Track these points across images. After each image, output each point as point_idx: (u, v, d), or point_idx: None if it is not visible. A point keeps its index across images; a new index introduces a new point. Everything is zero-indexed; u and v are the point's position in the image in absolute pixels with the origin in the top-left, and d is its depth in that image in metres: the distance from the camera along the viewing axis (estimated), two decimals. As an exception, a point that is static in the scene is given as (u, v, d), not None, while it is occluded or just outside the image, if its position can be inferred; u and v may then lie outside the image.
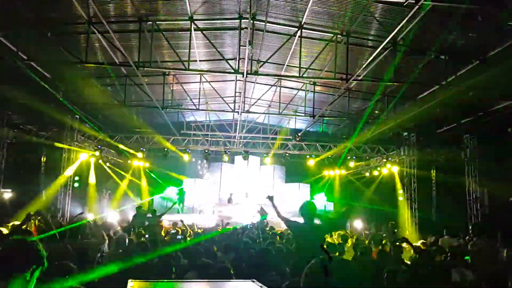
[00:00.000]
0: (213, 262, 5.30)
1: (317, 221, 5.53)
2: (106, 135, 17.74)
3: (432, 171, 19.21)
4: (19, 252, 2.49)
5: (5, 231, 5.78)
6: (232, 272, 4.52)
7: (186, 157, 19.60)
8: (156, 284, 3.31)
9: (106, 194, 20.39)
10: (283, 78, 13.70)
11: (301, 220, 5.61)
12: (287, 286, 4.16)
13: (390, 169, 19.03)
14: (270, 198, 6.26)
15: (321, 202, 22.14)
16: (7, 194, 15.88)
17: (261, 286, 3.04)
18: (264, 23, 10.04)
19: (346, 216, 6.17)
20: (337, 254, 7.20)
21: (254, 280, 3.23)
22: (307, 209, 5.55)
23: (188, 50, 10.48)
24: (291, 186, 23.66)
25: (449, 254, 6.67)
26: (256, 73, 11.23)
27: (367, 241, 10.36)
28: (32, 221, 8.62)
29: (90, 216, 15.14)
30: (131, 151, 18.91)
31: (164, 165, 21.85)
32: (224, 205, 20.25)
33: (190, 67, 11.01)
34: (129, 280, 3.10)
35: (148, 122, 18.53)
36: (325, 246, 5.29)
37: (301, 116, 16.88)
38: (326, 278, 2.06)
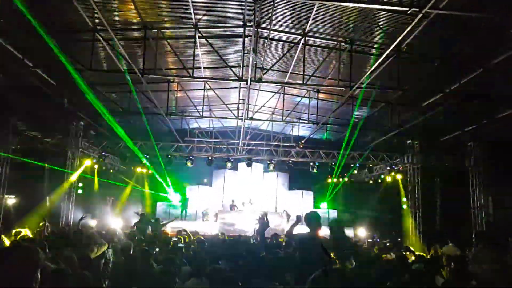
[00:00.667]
0: (216, 271, 5.28)
1: (320, 231, 5.50)
2: (110, 142, 17.79)
3: (436, 179, 19.14)
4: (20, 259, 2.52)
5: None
6: (240, 284, 4.49)
7: (189, 164, 19.66)
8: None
9: (110, 201, 20.39)
10: (286, 85, 13.73)
11: (306, 229, 5.58)
12: None
13: (394, 176, 18.97)
14: (298, 217, 6.12)
15: (324, 210, 22.04)
16: (11, 200, 15.92)
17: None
18: (268, 31, 10.08)
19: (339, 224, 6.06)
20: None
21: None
22: (312, 219, 5.50)
23: (192, 58, 10.53)
24: (294, 194, 23.64)
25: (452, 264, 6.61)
26: (259, 80, 11.26)
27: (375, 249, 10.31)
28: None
29: (93, 223, 15.22)
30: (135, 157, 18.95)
31: (167, 172, 21.88)
32: (227, 212, 20.23)
33: (194, 75, 11.06)
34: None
35: (152, 129, 18.56)
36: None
37: (305, 123, 16.90)
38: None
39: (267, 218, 8.06)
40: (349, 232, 15.52)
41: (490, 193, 17.22)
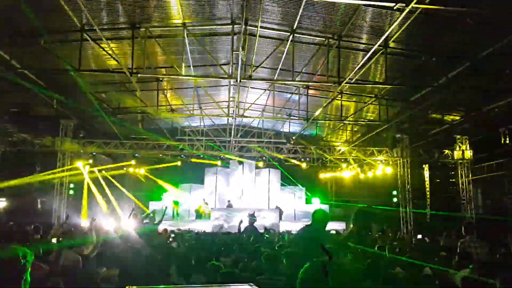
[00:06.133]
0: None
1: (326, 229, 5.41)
2: (101, 142, 17.71)
3: (425, 172, 19.37)
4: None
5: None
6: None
7: (180, 163, 19.70)
8: (153, 289, 3.33)
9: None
10: (276, 82, 13.77)
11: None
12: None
13: (384, 170, 19.15)
14: None
15: (316, 205, 22.20)
16: (2, 203, 15.80)
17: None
18: (256, 28, 10.11)
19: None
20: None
21: (252, 284, 3.24)
22: (319, 217, 5.35)
23: (181, 56, 10.53)
24: (286, 190, 23.75)
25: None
26: (249, 78, 11.29)
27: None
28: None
29: (85, 223, 15.14)
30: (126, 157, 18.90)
31: (159, 171, 21.83)
32: (220, 210, 20.25)
33: (184, 73, 11.05)
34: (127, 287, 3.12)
35: (142, 128, 18.51)
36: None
37: (295, 119, 16.96)
38: (324, 279, 2.05)
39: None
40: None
41: (478, 185, 17.50)
